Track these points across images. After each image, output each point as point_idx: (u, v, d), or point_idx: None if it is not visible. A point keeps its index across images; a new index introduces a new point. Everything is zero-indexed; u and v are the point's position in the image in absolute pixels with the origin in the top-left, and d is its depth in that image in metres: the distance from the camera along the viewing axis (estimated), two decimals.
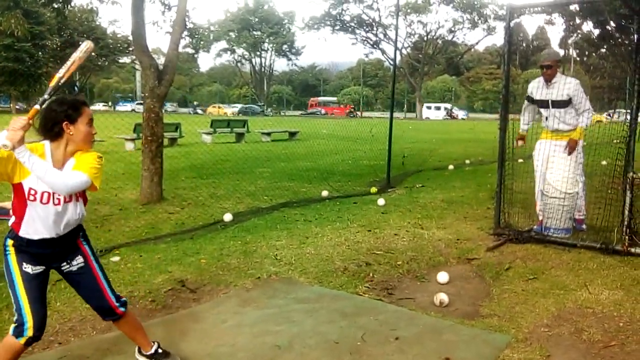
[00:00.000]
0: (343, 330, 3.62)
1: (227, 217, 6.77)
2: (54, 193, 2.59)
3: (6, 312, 3.77)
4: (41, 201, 2.58)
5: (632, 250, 5.16)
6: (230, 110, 63.71)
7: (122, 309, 2.91)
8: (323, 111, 66.89)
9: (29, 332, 2.59)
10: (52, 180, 2.49)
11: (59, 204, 2.62)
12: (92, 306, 2.93)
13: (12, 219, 2.65)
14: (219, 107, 66.32)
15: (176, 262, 5.02)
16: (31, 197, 2.58)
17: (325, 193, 8.68)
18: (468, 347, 3.36)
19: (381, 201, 7.96)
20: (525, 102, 6.10)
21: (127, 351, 3.27)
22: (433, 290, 4.37)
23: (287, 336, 3.52)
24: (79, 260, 2.81)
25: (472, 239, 5.92)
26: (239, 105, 68.91)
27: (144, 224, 6.57)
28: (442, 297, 4.11)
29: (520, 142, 6.18)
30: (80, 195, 2.72)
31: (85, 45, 2.72)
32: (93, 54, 58.07)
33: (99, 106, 62.05)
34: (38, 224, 2.61)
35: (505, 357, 3.22)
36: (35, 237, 2.63)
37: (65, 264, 2.78)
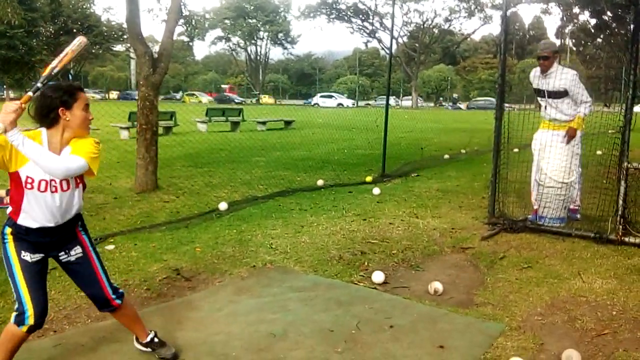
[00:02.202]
0: (338, 318, 3.63)
1: (223, 205, 6.76)
2: (51, 180, 2.57)
3: (0, 300, 3.77)
4: (39, 189, 2.56)
5: (626, 239, 5.18)
6: (205, 99, 61.81)
7: (118, 301, 2.90)
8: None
9: (30, 320, 2.59)
10: (47, 163, 2.44)
11: (56, 191, 2.60)
12: (89, 296, 2.92)
13: (10, 208, 2.64)
14: (196, 96, 64.13)
15: (171, 251, 5.02)
16: (28, 185, 2.55)
17: (320, 182, 8.67)
18: (462, 335, 3.38)
19: (376, 190, 7.96)
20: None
21: (122, 339, 3.27)
22: (428, 279, 4.38)
23: (282, 324, 3.53)
24: (77, 251, 2.79)
25: (467, 228, 5.94)
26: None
27: (138, 212, 6.56)
28: (437, 285, 4.13)
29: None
30: (80, 181, 2.71)
31: (79, 41, 2.70)
32: (87, 41, 57.72)
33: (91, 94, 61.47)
34: (37, 212, 2.59)
35: (498, 345, 3.24)
36: (34, 226, 2.61)
37: (63, 253, 2.76)
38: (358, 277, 4.46)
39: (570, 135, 5.70)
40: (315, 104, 61.97)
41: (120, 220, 6.16)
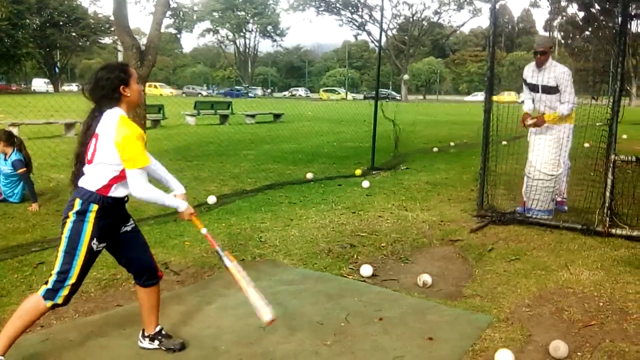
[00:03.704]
0: (327, 311, 3.64)
1: (211, 199, 6.74)
2: None
3: None
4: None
5: (613, 231, 5.22)
6: (168, 91, 58.18)
7: (161, 272, 3.09)
8: None
9: (60, 300, 2.71)
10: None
11: None
12: (141, 266, 2.98)
13: (99, 185, 2.72)
14: (155, 87, 58.94)
15: (160, 245, 4.99)
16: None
17: (309, 175, 8.67)
18: (451, 327, 3.40)
19: (365, 183, 7.97)
20: (523, 86, 6.15)
21: (110, 333, 3.26)
22: (417, 271, 4.40)
23: None
24: (131, 221, 2.99)
25: (456, 221, 5.96)
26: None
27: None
28: (426, 278, 4.14)
29: (529, 120, 5.89)
30: None
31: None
32: (74, 34, 57.17)
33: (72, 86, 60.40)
34: (125, 185, 2.78)
35: (487, 336, 3.26)
36: (122, 194, 2.81)
37: (123, 226, 2.93)
38: (347, 270, 4.46)
39: (537, 124, 5.72)
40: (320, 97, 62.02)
41: None
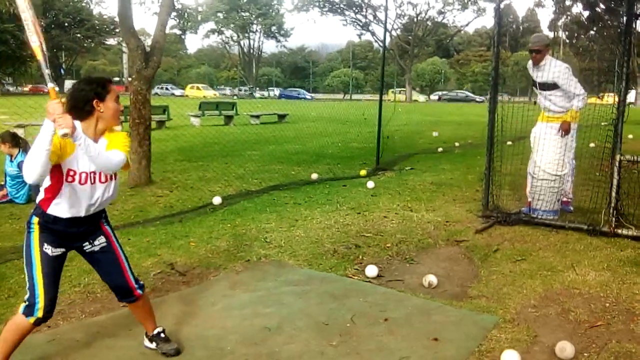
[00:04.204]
0: (333, 312, 3.64)
1: (217, 200, 6.75)
2: (92, 173, 2.64)
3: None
4: (80, 182, 2.63)
5: (619, 231, 5.21)
6: (211, 93, 59.89)
7: (139, 291, 2.94)
8: None
9: (39, 312, 2.63)
10: (103, 160, 2.55)
11: (94, 183, 2.67)
12: (111, 286, 2.94)
13: (41, 196, 2.66)
14: (198, 88, 61.77)
15: (165, 245, 5.00)
16: (69, 178, 2.61)
17: (314, 176, 8.67)
18: (456, 327, 3.39)
19: (370, 184, 7.97)
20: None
21: (117, 334, 3.27)
22: (422, 272, 4.39)
23: (276, 318, 3.53)
24: (101, 240, 2.83)
25: (461, 221, 5.95)
26: (228, 89, 66.94)
27: (132, 207, 6.54)
28: (431, 278, 4.14)
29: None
30: (115, 173, 2.76)
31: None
32: (79, 35, 57.37)
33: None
34: (72, 203, 2.64)
35: (492, 337, 3.25)
36: (65, 216, 2.65)
37: (87, 244, 2.80)
38: (352, 270, 4.46)
39: (564, 129, 5.71)
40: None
41: (114, 215, 6.14)
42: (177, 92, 66.50)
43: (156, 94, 58.25)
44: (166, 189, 7.59)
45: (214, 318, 3.55)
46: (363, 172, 9.14)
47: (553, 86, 5.73)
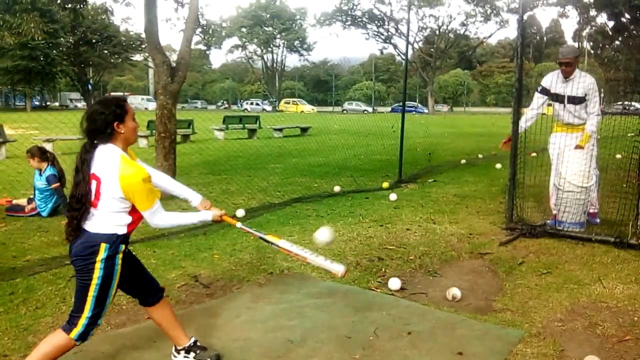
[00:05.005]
0: (355, 325, 3.63)
1: (240, 212, 6.80)
2: None
3: (22, 307, 3.83)
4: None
5: None
6: (308, 108, 57.96)
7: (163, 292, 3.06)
8: None
9: (89, 338, 2.75)
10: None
11: None
12: (141, 285, 2.98)
13: (123, 223, 2.72)
14: (294, 103, 60.69)
15: (189, 258, 5.05)
16: None
17: (337, 188, 8.68)
18: (481, 342, 3.36)
19: (393, 196, 7.95)
20: (537, 94, 6.05)
21: (142, 346, 3.31)
22: (445, 285, 4.36)
23: (299, 331, 3.53)
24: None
25: (485, 234, 5.90)
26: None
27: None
28: (455, 292, 4.10)
29: (505, 146, 6.09)
30: None
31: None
32: (106, 51, 58.46)
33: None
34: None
35: (518, 352, 3.21)
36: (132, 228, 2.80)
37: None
38: (375, 283, 4.45)
39: (579, 147, 5.67)
40: (344, 110, 62.60)
41: (140, 227, 6.15)
42: (268, 107, 65.69)
43: (245, 109, 59.20)
44: (180, 205, 7.65)
45: (238, 330, 3.57)
46: (385, 185, 9.13)
47: (583, 99, 5.69)
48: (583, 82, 5.67)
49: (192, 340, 3.09)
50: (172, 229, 6.13)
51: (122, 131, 2.69)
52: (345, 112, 58.67)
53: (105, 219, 2.66)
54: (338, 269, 2.97)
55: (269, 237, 3.11)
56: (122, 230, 2.70)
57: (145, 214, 2.71)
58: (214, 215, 3.02)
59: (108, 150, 2.66)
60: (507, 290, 4.26)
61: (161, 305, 3.02)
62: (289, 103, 62.98)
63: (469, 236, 5.82)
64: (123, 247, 2.72)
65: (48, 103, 59.23)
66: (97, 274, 2.64)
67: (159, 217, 2.76)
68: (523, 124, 5.99)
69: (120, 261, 2.71)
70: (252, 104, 67.28)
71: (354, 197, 8.18)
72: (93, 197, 2.63)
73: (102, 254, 2.63)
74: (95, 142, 2.67)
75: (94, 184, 2.63)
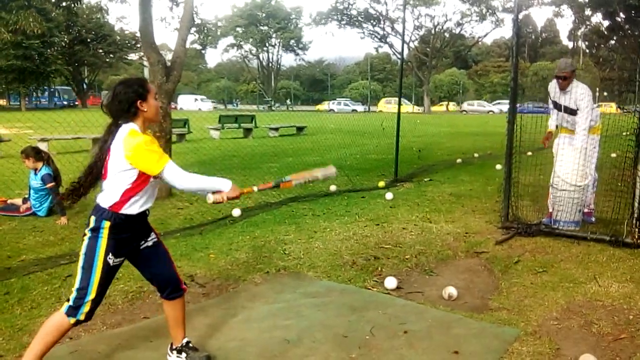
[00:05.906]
0: (352, 324, 3.63)
1: (236, 212, 6.79)
2: None
3: (17, 307, 3.82)
4: (154, 177, 2.78)
5: None
6: (409, 108, 53.83)
7: (184, 285, 3.07)
8: None
9: (82, 316, 2.73)
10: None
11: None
12: (162, 280, 2.99)
13: (114, 200, 2.72)
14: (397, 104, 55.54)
15: (185, 257, 5.04)
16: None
17: (333, 187, 8.67)
18: (477, 340, 3.36)
19: (389, 195, 7.95)
20: (550, 101, 6.17)
21: (138, 346, 3.30)
22: (442, 284, 4.36)
23: (296, 330, 3.53)
24: (152, 236, 2.99)
25: (481, 233, 5.91)
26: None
27: (153, 219, 6.53)
28: (451, 290, 4.11)
29: (546, 142, 6.23)
30: None
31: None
32: (101, 50, 58.35)
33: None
34: (147, 197, 2.83)
35: (514, 350, 3.22)
36: (136, 212, 2.78)
37: (143, 241, 2.93)
38: (371, 282, 4.45)
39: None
40: (330, 109, 61.66)
41: None
42: (359, 107, 61.29)
43: (332, 110, 57.18)
44: (186, 201, 7.65)
45: (234, 330, 3.57)
46: (381, 184, 9.13)
47: (575, 111, 5.78)
48: (575, 94, 5.76)
49: (184, 341, 3.09)
50: (171, 218, 6.11)
51: (145, 109, 2.77)
52: (332, 111, 57.31)
53: (105, 193, 2.75)
54: (332, 169, 3.26)
55: (282, 180, 3.20)
56: (106, 205, 2.73)
57: (165, 175, 2.71)
58: (234, 187, 2.93)
59: (124, 127, 2.72)
60: (503, 289, 4.27)
61: (175, 304, 3.04)
62: (390, 103, 58.51)
63: (465, 235, 5.83)
64: (107, 223, 2.72)
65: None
66: (84, 242, 2.75)
67: (180, 177, 2.75)
68: (551, 122, 6.25)
69: (104, 236, 2.71)
70: (339, 104, 62.10)
71: (350, 196, 8.19)
72: (104, 171, 2.75)
73: (90, 225, 2.74)
74: (120, 122, 2.75)
75: (107, 158, 2.73)
